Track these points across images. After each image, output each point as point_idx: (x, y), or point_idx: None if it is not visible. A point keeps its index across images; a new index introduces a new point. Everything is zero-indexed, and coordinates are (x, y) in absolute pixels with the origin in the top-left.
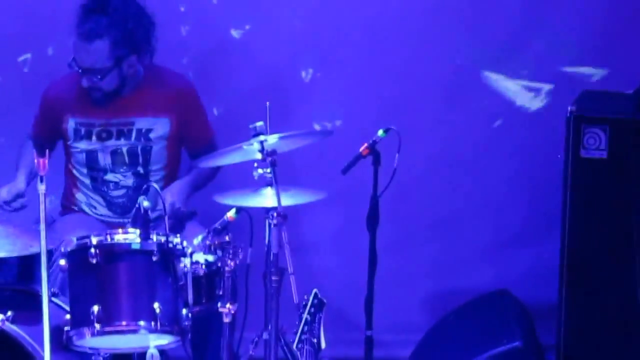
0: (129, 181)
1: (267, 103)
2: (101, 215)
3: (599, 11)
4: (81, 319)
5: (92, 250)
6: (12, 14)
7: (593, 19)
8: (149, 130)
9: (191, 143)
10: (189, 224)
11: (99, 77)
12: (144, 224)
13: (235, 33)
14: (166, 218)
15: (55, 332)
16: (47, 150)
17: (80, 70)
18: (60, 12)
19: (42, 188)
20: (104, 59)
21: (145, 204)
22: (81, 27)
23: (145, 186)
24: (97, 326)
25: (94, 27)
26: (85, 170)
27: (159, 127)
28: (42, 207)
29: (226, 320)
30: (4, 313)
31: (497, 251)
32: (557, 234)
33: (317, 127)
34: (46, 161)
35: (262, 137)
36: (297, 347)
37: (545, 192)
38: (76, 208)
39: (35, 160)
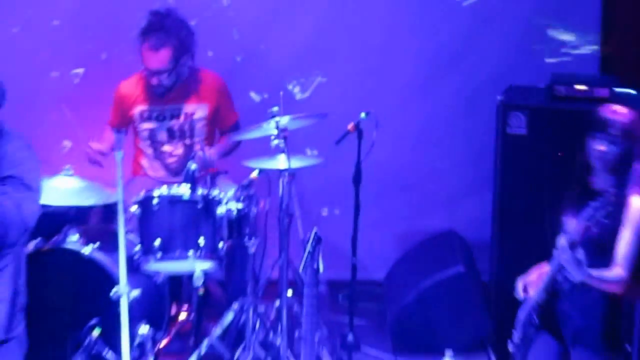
0: (180, 150)
1: (281, 93)
2: (160, 176)
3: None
4: (147, 250)
5: (155, 200)
6: (86, 24)
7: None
8: (193, 113)
9: (221, 123)
10: (223, 181)
11: (165, 76)
12: (192, 181)
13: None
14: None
15: (129, 259)
16: (123, 130)
17: (150, 73)
18: (111, 25)
19: (119, 155)
20: (166, 62)
21: (192, 166)
22: (148, 41)
23: (192, 154)
24: (158, 255)
25: (158, 41)
26: (148, 144)
27: (200, 111)
28: (119, 167)
29: (251, 251)
30: (93, 244)
31: (448, 202)
32: (492, 189)
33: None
34: (122, 136)
35: (277, 118)
36: (302, 270)
37: (485, 159)
38: (142, 172)
39: (115, 136)
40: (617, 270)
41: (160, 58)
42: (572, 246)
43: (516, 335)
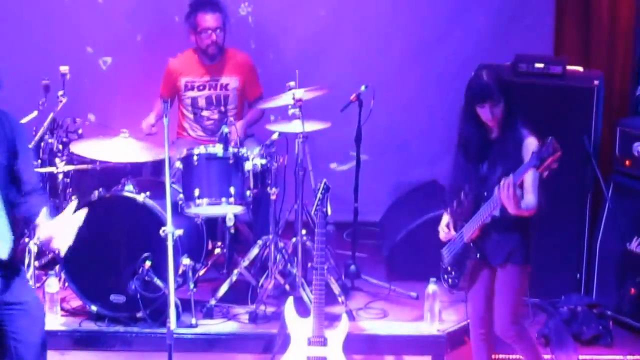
0: (216, 115)
1: (297, 71)
2: (199, 136)
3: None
4: (189, 197)
5: (195, 157)
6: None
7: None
8: (227, 84)
9: (249, 94)
10: (250, 141)
11: (219, 32)
12: (225, 141)
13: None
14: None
15: (174, 204)
16: (169, 100)
17: (207, 33)
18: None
19: (166, 121)
20: (221, 21)
21: (225, 130)
22: (204, 9)
23: (225, 119)
24: (198, 201)
25: (214, 6)
26: (190, 109)
27: (233, 82)
28: (166, 131)
29: (272, 197)
30: (145, 193)
31: (432, 158)
32: None
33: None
34: (168, 106)
35: (294, 90)
36: (313, 213)
37: None
38: (185, 133)
39: (162, 105)
40: (531, 198)
41: (216, 17)
42: (515, 186)
43: (449, 268)
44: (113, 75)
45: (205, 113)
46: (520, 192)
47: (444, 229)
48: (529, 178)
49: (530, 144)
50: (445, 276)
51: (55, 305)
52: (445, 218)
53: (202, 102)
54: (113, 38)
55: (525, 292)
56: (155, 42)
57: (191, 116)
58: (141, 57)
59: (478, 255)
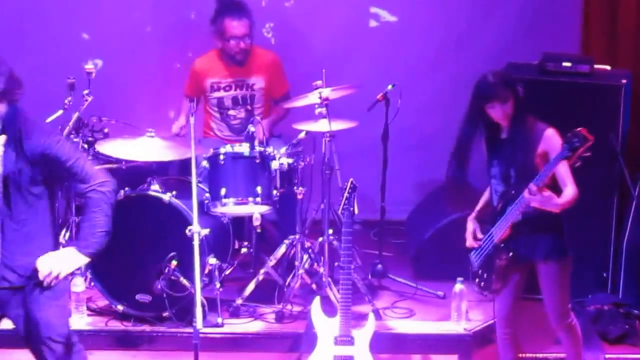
0: (242, 114)
1: (323, 70)
2: (226, 135)
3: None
4: (215, 196)
5: (221, 156)
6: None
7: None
8: (253, 84)
9: (276, 93)
10: (277, 140)
11: (247, 39)
12: (251, 141)
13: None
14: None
15: (200, 204)
16: (195, 99)
17: (235, 39)
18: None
19: (192, 120)
20: (248, 28)
21: (252, 129)
22: (231, 14)
23: (252, 118)
24: (224, 200)
25: (241, 12)
26: (216, 109)
27: (259, 82)
28: (192, 129)
29: (299, 197)
30: (171, 192)
31: None
32: None
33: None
34: (194, 105)
35: (320, 89)
36: (341, 212)
37: None
38: (211, 133)
39: (189, 105)
40: (571, 189)
41: (244, 24)
42: (540, 190)
43: (480, 271)
44: (137, 75)
45: (231, 112)
46: (548, 192)
47: (474, 236)
48: (563, 170)
49: (552, 135)
50: (477, 280)
51: (81, 305)
52: (471, 225)
53: (228, 102)
54: (136, 37)
55: (569, 284)
56: (176, 40)
57: (218, 115)
58: (163, 55)
59: (511, 255)
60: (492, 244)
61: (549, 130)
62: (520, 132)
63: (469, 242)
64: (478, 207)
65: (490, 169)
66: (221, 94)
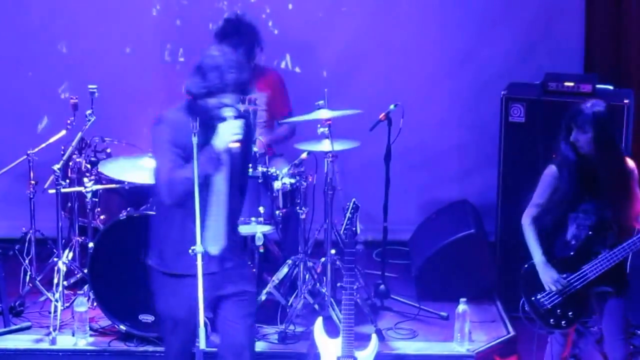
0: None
1: (325, 90)
2: None
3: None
4: None
5: None
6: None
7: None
8: (255, 99)
9: (277, 111)
10: (279, 160)
11: (250, 62)
12: (253, 160)
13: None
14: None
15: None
16: (197, 119)
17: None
18: None
19: (194, 139)
20: (248, 53)
21: (254, 149)
22: (228, 41)
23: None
24: None
25: (237, 42)
26: None
27: (261, 98)
28: (195, 149)
29: (302, 217)
30: None
31: (461, 176)
32: (496, 165)
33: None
34: (196, 123)
35: (323, 110)
36: (343, 232)
37: (491, 141)
38: None
39: (192, 125)
40: None
41: (240, 52)
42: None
43: (559, 311)
44: (142, 95)
45: None
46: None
47: (557, 282)
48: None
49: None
50: (551, 320)
51: (84, 325)
52: (549, 269)
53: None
54: (142, 55)
55: None
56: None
57: None
58: (166, 75)
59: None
60: (583, 283)
61: (630, 163)
62: (609, 168)
63: (554, 287)
64: (542, 250)
65: (581, 204)
66: None
